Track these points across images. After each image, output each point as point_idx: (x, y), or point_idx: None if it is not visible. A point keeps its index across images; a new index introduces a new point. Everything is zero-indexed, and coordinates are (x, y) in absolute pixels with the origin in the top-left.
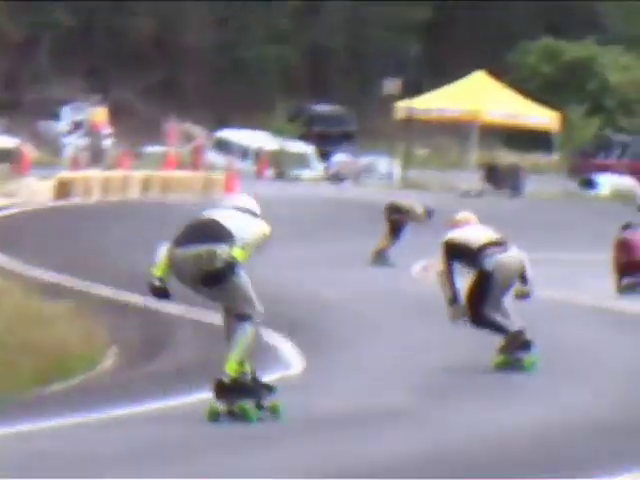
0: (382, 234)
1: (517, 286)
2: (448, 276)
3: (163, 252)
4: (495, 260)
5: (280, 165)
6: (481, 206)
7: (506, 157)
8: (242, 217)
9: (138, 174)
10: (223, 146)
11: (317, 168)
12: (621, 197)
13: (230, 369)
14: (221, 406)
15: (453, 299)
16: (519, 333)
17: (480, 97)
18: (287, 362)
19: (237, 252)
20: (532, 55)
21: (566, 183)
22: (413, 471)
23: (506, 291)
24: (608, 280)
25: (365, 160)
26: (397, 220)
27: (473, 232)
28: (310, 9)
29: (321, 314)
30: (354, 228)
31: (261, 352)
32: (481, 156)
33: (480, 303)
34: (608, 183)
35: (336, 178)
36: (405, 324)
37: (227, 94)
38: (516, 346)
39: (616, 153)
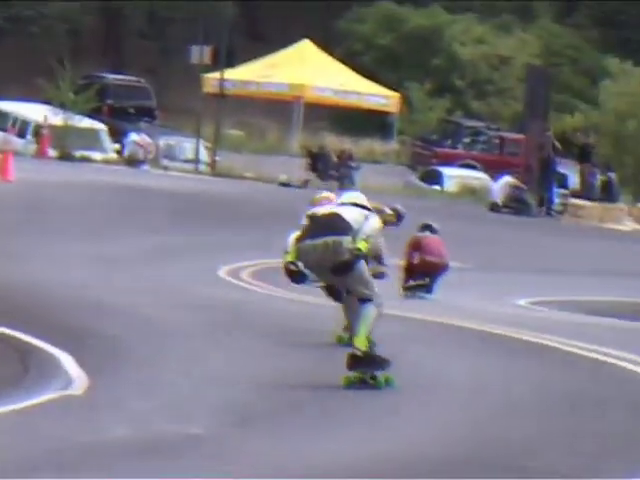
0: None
1: (373, 265)
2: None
3: (292, 241)
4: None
5: (65, 144)
6: (301, 200)
7: (335, 142)
8: (359, 212)
9: None
10: None
11: (109, 149)
12: (470, 193)
13: (360, 344)
14: (354, 376)
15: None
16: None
17: (305, 70)
18: (69, 378)
19: (362, 244)
20: (367, 23)
21: (406, 175)
22: None
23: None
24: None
25: (167, 141)
26: None
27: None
28: None
29: (110, 322)
30: (154, 221)
31: (39, 366)
32: (306, 140)
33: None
34: (455, 177)
35: (132, 161)
36: (209, 334)
37: (1, 58)
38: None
39: (465, 141)
